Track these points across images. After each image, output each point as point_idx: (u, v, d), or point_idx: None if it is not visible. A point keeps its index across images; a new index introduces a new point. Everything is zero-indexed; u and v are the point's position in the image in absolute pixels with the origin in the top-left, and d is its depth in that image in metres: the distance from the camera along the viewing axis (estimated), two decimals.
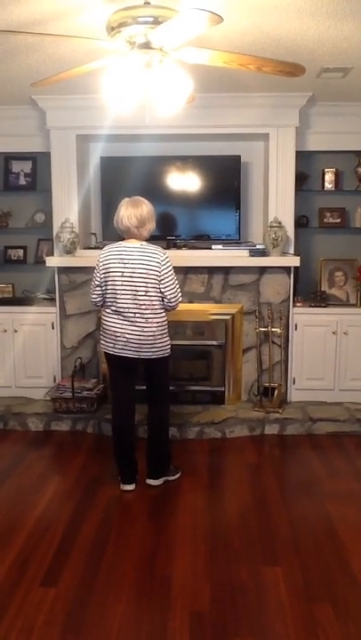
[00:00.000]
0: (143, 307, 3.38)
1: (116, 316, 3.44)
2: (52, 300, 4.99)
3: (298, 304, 4.86)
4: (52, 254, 4.91)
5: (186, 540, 3.04)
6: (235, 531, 3.14)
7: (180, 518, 3.28)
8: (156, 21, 2.41)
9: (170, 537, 3.08)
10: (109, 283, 3.43)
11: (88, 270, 4.45)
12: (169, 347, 3.53)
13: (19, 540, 3.04)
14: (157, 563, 2.84)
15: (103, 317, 3.54)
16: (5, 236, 5.26)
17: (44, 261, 4.82)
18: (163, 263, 3.37)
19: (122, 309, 3.41)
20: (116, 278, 3.40)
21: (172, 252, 4.33)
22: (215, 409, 4.75)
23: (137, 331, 3.39)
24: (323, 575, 2.73)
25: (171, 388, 3.94)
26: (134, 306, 3.38)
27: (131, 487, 3.59)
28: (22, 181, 5.20)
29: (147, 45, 2.50)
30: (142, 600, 2.57)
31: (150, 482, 3.63)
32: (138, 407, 3.66)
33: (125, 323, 3.41)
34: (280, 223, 4.67)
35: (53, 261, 4.77)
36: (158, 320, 3.43)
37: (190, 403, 4.82)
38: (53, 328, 4.93)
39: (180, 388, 4.84)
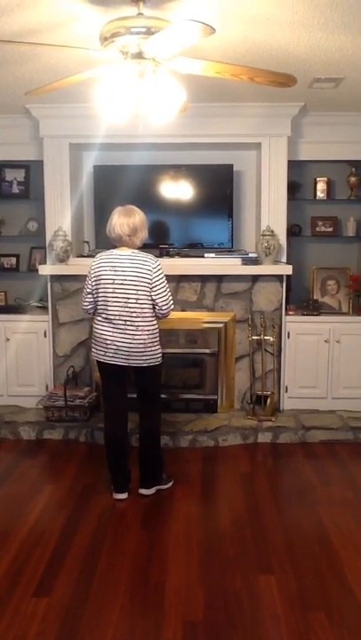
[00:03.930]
0: (134, 314, 3.38)
1: (106, 324, 3.44)
2: (45, 308, 4.98)
3: (290, 312, 4.87)
4: (44, 262, 4.92)
5: (179, 549, 3.03)
6: (228, 539, 3.14)
7: (173, 527, 3.27)
8: (149, 32, 2.42)
9: (163, 546, 3.07)
10: (101, 290, 3.43)
11: (81, 278, 4.45)
12: (160, 355, 3.52)
13: (11, 549, 3.02)
14: (151, 571, 2.83)
15: (94, 325, 3.54)
16: None
17: (37, 269, 4.82)
18: (154, 270, 3.38)
19: (113, 317, 3.41)
20: (107, 286, 3.40)
21: (164, 261, 4.35)
22: (208, 417, 4.74)
23: (127, 338, 3.39)
24: (317, 583, 2.73)
25: (163, 396, 3.94)
26: (125, 313, 3.39)
27: (123, 496, 3.58)
28: (15, 189, 5.20)
29: (140, 55, 2.52)
30: (136, 609, 2.56)
31: (142, 491, 3.61)
32: (131, 415, 3.66)
33: (116, 330, 3.41)
34: (273, 232, 4.69)
35: (46, 269, 4.77)
36: (149, 328, 3.43)
37: (183, 411, 4.81)
38: (46, 336, 4.92)
39: (172, 396, 4.84)
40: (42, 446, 4.45)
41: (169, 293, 3.47)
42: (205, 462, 4.16)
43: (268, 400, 4.76)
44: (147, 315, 3.41)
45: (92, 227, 5.07)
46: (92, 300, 3.51)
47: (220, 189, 4.91)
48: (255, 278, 4.78)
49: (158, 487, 3.67)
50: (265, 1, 2.64)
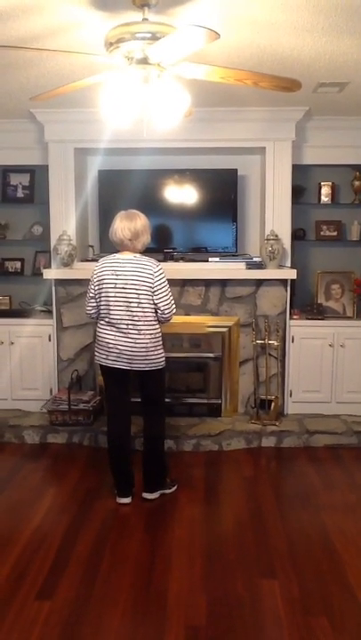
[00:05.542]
0: (136, 318, 3.39)
1: (109, 328, 3.45)
2: (49, 312, 4.99)
3: (295, 316, 4.87)
4: (49, 266, 4.93)
5: (182, 553, 3.03)
6: (231, 544, 3.13)
7: (176, 531, 3.27)
8: (154, 37, 2.43)
9: (166, 550, 3.07)
10: (103, 294, 3.44)
11: (85, 283, 4.45)
12: (163, 359, 3.52)
13: (14, 552, 3.02)
14: (154, 576, 2.83)
15: (97, 329, 3.55)
16: (3, 248, 5.28)
17: (42, 273, 4.83)
18: (156, 275, 3.38)
19: (115, 321, 3.42)
20: (109, 290, 3.41)
21: (169, 265, 4.36)
22: (212, 421, 4.74)
23: (130, 342, 3.40)
24: (319, 588, 2.72)
25: (167, 400, 3.93)
26: (127, 317, 3.39)
27: (127, 500, 3.58)
28: (20, 194, 5.22)
29: (145, 61, 2.52)
30: (138, 614, 2.56)
31: (146, 495, 3.61)
32: (135, 419, 3.66)
33: (118, 334, 3.41)
34: (277, 236, 4.69)
35: (51, 274, 4.79)
36: (152, 332, 3.44)
37: (187, 415, 4.81)
38: (50, 340, 4.93)
39: (176, 400, 4.84)
40: (45, 450, 4.45)
41: (171, 297, 3.47)
42: (209, 466, 4.16)
43: (272, 404, 4.76)
44: (149, 318, 3.42)
45: (97, 231, 5.08)
46: (95, 304, 3.52)
47: (224, 194, 4.91)
48: (259, 282, 4.78)
49: (162, 491, 3.67)
50: (269, 6, 2.65)
